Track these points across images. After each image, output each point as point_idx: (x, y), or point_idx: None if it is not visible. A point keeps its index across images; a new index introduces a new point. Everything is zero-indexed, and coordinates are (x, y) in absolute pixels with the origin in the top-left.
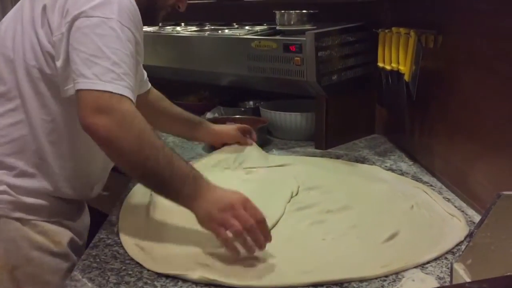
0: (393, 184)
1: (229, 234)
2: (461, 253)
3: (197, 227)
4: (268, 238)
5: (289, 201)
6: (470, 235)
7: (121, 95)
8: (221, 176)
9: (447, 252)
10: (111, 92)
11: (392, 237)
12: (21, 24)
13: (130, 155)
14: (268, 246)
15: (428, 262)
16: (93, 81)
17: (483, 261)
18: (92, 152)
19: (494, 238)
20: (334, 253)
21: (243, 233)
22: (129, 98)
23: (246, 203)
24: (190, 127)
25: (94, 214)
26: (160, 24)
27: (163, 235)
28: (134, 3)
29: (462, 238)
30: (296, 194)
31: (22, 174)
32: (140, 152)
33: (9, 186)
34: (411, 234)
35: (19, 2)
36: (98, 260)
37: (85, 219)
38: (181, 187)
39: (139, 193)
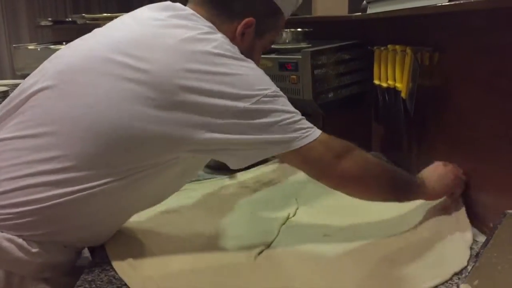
0: (394, 206)
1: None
2: (467, 273)
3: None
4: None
5: (284, 223)
6: (476, 255)
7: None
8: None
9: (448, 280)
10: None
11: (390, 262)
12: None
13: (378, 184)
14: (258, 271)
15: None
16: (305, 134)
17: (490, 282)
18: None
19: (500, 258)
20: (326, 279)
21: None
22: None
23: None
24: None
25: None
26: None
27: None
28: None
29: (465, 263)
30: (294, 215)
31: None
32: (381, 176)
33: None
34: (409, 259)
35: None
36: (93, 286)
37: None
38: (416, 192)
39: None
